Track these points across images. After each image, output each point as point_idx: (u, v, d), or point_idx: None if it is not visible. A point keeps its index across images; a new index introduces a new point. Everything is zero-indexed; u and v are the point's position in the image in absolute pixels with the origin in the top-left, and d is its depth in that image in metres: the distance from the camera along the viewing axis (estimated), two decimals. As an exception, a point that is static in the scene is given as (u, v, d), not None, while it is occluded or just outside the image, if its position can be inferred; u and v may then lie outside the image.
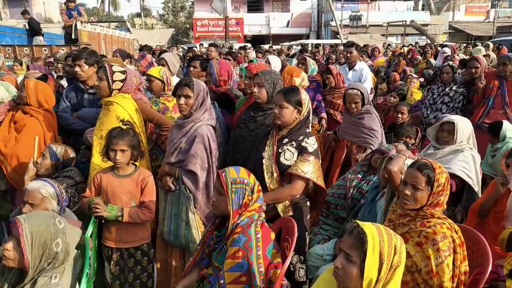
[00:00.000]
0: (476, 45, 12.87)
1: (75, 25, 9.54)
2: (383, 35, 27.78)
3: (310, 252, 2.82)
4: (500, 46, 11.20)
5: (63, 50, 8.74)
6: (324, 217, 3.16)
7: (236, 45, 15.73)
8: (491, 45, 11.55)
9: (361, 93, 3.71)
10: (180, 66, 6.34)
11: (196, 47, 16.32)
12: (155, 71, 3.68)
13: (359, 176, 3.11)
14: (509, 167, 2.73)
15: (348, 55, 5.29)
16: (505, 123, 3.73)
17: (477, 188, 3.10)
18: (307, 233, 2.71)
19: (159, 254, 2.99)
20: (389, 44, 16.06)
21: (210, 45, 7.47)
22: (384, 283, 1.49)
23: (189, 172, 2.76)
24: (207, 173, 2.81)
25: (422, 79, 7.54)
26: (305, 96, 2.58)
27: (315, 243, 2.98)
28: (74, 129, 3.65)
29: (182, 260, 3.00)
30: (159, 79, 3.62)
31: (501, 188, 2.75)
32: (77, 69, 3.55)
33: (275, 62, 5.35)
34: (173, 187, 2.83)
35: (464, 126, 3.12)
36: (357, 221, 1.56)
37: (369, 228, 1.51)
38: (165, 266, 3.02)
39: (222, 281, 1.93)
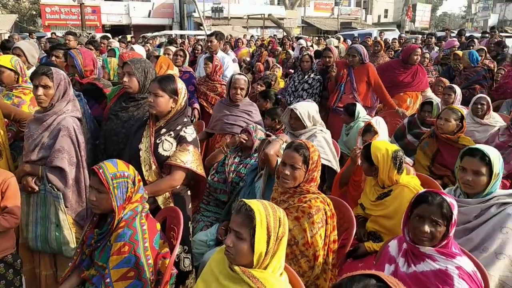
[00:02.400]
0: (328, 37, 14.37)
1: None
2: (244, 27, 28.89)
3: (194, 239, 2.85)
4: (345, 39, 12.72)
5: None
6: (205, 204, 3.21)
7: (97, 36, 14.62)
8: (341, 38, 12.99)
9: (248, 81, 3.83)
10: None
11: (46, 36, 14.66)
12: (4, 60, 3.22)
13: (236, 160, 3.24)
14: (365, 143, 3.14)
15: (209, 44, 5.39)
16: (358, 104, 4.29)
17: (335, 166, 3.53)
18: (189, 222, 2.72)
19: (25, 264, 2.68)
20: (252, 36, 16.79)
21: (67, 33, 6.80)
22: (272, 254, 1.60)
23: (55, 168, 2.54)
24: (76, 169, 2.62)
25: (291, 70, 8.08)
26: (181, 85, 2.56)
27: (197, 230, 3.01)
28: None
29: (54, 267, 2.75)
30: (11, 70, 3.19)
31: (357, 159, 3.14)
32: None
33: (140, 52, 5.16)
34: (36, 188, 2.57)
35: (304, 110, 3.51)
36: (243, 199, 1.64)
37: (255, 204, 1.60)
38: (33, 277, 2.73)
39: (108, 280, 1.83)
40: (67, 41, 6.30)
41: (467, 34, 10.22)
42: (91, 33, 16.40)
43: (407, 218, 1.89)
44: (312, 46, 11.22)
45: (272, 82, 6.43)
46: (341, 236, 2.37)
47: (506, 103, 5.46)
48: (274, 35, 19.67)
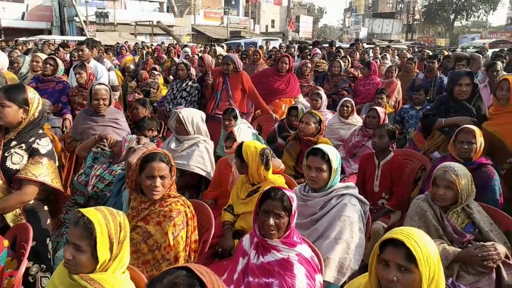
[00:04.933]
0: (214, 46, 14.64)
1: None
2: (132, 34, 27.98)
3: (57, 256, 2.70)
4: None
5: None
6: (65, 214, 3.07)
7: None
8: (225, 46, 13.34)
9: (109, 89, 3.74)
10: None
11: None
12: None
13: (104, 166, 3.16)
14: (228, 148, 3.31)
15: (80, 52, 5.16)
16: (235, 109, 4.50)
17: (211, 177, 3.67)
18: (48, 239, 2.56)
19: None
20: (136, 43, 16.35)
21: None
22: (114, 258, 1.62)
23: None
24: None
25: (171, 76, 8.04)
26: (32, 95, 2.43)
27: (61, 245, 2.86)
28: None
29: None
30: None
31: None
32: None
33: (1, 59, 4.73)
34: None
35: (189, 115, 3.68)
36: (80, 209, 1.63)
37: (94, 215, 1.60)
38: None
39: None
40: None
41: (337, 45, 11.32)
42: None
43: (256, 214, 2.06)
44: (198, 54, 11.39)
45: (154, 90, 6.38)
46: (202, 237, 2.47)
47: (365, 106, 6.18)
48: (162, 42, 19.40)
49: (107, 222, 1.60)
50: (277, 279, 1.85)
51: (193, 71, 5.73)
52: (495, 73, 4.97)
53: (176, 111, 3.82)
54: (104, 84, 3.75)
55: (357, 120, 4.82)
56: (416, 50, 14.60)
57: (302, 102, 5.75)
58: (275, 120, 5.08)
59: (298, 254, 1.91)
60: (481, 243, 2.27)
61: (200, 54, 11.70)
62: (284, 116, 5.53)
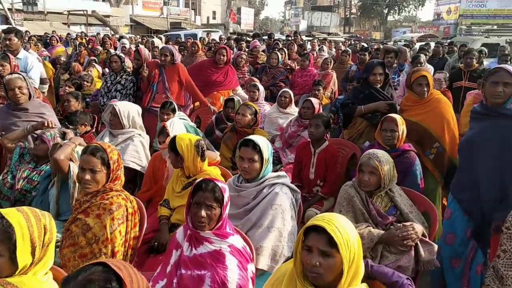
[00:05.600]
0: (153, 37, 14.28)
1: None
2: (64, 23, 26.44)
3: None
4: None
5: None
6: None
7: None
8: (163, 38, 13.04)
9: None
10: None
11: None
12: None
13: (30, 166, 2.99)
14: (161, 143, 3.26)
15: (8, 42, 4.84)
16: (173, 102, 4.42)
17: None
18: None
19: None
20: (68, 33, 15.48)
21: None
22: (37, 261, 1.54)
23: None
24: None
25: (106, 69, 7.71)
26: None
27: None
28: None
29: None
30: None
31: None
32: None
33: None
34: None
35: (125, 109, 3.61)
36: (0, 210, 1.53)
37: (15, 217, 1.50)
38: None
39: None
40: None
41: (276, 37, 11.48)
42: None
43: (188, 206, 2.06)
44: (137, 46, 11.02)
45: (87, 83, 6.10)
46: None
47: (302, 97, 6.34)
48: (98, 33, 18.54)
49: (30, 225, 1.51)
50: (209, 271, 1.87)
51: (129, 63, 5.56)
52: (419, 65, 5.31)
53: (112, 104, 3.72)
54: (18, 73, 3.52)
55: (295, 111, 4.95)
56: (353, 43, 15.17)
57: (241, 94, 5.79)
58: (213, 112, 5.07)
59: (230, 246, 1.94)
60: (401, 223, 2.44)
61: (138, 46, 11.39)
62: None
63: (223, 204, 1.99)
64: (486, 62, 7.57)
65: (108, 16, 28.68)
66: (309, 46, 10.59)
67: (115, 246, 2.22)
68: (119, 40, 11.47)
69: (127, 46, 9.70)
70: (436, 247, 2.42)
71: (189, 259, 1.96)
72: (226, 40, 12.47)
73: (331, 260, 1.53)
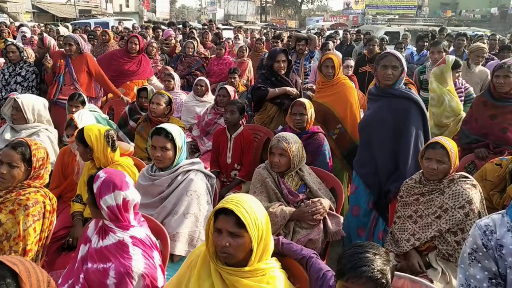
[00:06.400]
0: (58, 25, 13.29)
1: None
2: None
3: None
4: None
5: None
6: None
7: None
8: (70, 27, 12.21)
9: None
10: None
11: None
12: None
13: None
14: (69, 137, 3.12)
15: None
16: (82, 93, 4.19)
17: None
18: None
19: None
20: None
21: None
22: None
23: None
24: None
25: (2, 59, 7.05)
26: None
27: None
28: None
29: None
30: None
31: None
32: None
33: None
34: None
35: (29, 102, 3.41)
36: None
37: None
38: None
39: None
40: None
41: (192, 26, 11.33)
42: None
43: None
44: (41, 34, 10.18)
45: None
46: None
47: (219, 85, 6.37)
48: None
49: None
50: (114, 263, 1.83)
51: (29, 53, 5.15)
52: (327, 52, 5.60)
53: (13, 97, 3.45)
54: None
55: (211, 99, 4.99)
56: (268, 31, 15.48)
57: (156, 84, 5.67)
58: (126, 103, 4.91)
59: (131, 237, 1.90)
60: (311, 200, 2.61)
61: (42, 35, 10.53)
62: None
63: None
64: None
65: (5, 2, 26.02)
66: (225, 35, 10.60)
67: (27, 244, 2.13)
68: (18, 28, 10.51)
69: (28, 35, 8.93)
70: (341, 218, 2.63)
71: (95, 252, 1.91)
72: (139, 29, 12.02)
73: (240, 240, 1.60)
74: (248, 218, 1.59)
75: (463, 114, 3.88)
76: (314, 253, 1.87)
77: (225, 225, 1.60)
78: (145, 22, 23.69)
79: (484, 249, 1.07)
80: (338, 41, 9.58)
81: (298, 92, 4.04)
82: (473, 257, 1.09)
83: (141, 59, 5.62)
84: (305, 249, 1.90)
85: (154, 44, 6.95)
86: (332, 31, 12.58)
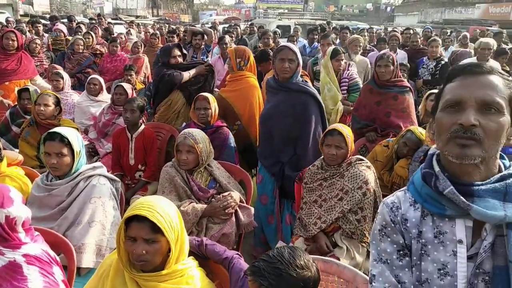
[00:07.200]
0: None
1: None
2: None
3: None
4: None
5: None
6: None
7: None
8: None
9: None
10: None
11: None
12: None
13: None
14: None
15: None
16: None
17: None
18: None
19: None
20: None
21: None
22: None
23: None
24: None
25: None
26: None
27: None
28: None
29: None
30: None
31: None
32: None
33: None
34: None
35: None
36: None
37: None
38: None
39: None
40: None
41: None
42: None
43: None
44: None
45: None
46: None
47: (114, 83, 6.02)
48: None
49: None
50: (7, 287, 1.64)
51: None
52: (224, 46, 5.67)
53: None
54: None
55: (107, 98, 4.70)
56: (161, 25, 15.04)
57: (41, 84, 5.17)
58: (8, 106, 4.39)
59: (25, 255, 1.70)
60: (221, 194, 2.63)
61: None
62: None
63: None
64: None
65: None
66: (116, 30, 10.04)
67: None
68: None
69: None
70: (252, 209, 2.69)
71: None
72: (15, 23, 10.79)
73: (157, 245, 1.55)
74: (163, 222, 1.53)
75: (340, 105, 4.33)
76: (237, 254, 1.88)
77: (140, 232, 1.53)
78: (21, 15, 21.32)
79: (392, 224, 1.17)
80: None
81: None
82: (383, 233, 1.19)
83: (21, 57, 5.07)
84: (228, 251, 1.89)
85: (37, 41, 6.30)
86: (226, 25, 12.68)
